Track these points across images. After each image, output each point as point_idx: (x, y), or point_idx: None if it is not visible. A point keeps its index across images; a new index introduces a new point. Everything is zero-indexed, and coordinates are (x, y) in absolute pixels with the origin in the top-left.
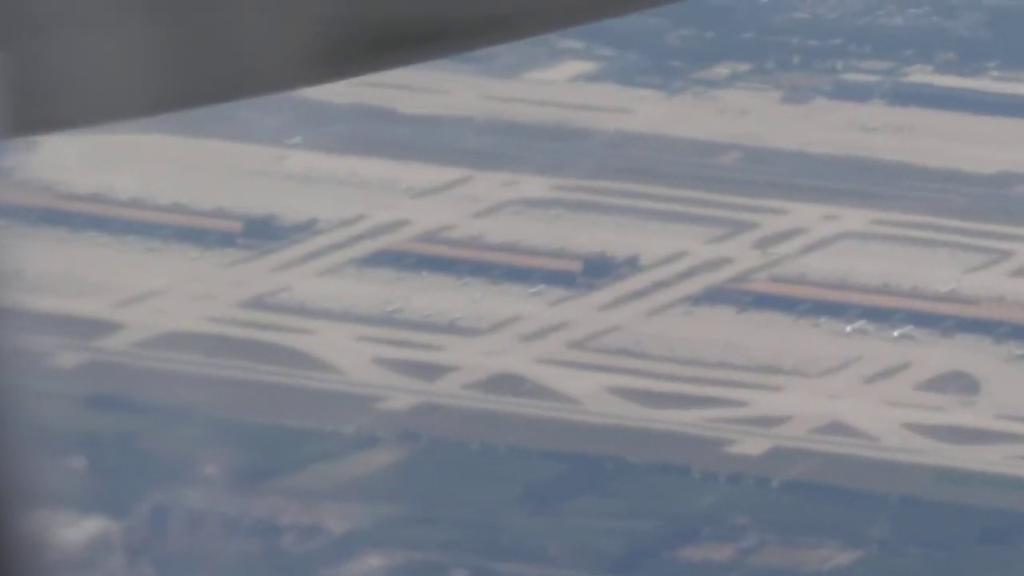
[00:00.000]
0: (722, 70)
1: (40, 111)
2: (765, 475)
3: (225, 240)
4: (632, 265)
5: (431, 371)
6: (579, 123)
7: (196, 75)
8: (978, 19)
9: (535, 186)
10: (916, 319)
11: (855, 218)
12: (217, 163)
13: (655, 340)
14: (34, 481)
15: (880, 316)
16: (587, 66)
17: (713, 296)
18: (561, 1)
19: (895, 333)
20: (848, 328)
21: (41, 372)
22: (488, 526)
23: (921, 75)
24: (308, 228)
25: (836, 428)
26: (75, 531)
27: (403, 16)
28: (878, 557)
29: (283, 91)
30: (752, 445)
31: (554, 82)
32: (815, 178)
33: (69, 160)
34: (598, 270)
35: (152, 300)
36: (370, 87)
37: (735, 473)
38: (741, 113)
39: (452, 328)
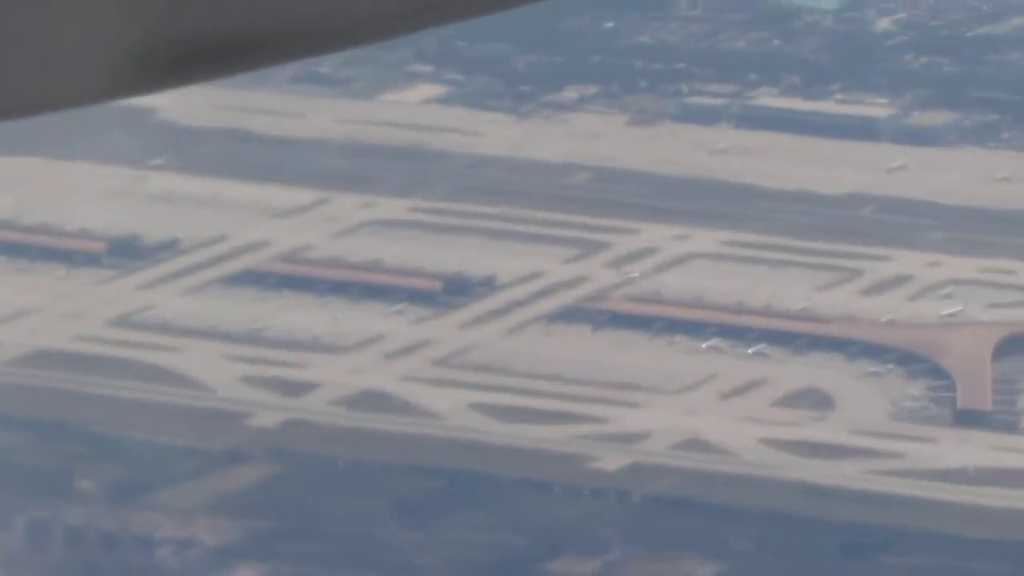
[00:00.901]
0: (570, 94)
1: None
2: (627, 489)
3: (90, 260)
4: (489, 285)
5: (297, 388)
6: (433, 145)
7: (6, 88)
8: (820, 43)
9: (392, 207)
10: (769, 337)
11: (706, 238)
12: (81, 184)
13: (515, 357)
14: None
15: (734, 334)
16: (438, 89)
17: (569, 315)
18: (356, 20)
19: (749, 351)
20: (703, 346)
21: None
22: (359, 539)
23: (767, 98)
24: (172, 248)
25: (695, 444)
26: None
27: (210, 31)
28: (739, 570)
29: (93, 103)
30: (612, 461)
31: (406, 104)
32: (665, 199)
33: None
34: (457, 289)
35: (21, 319)
36: (230, 111)
37: (597, 488)
38: (590, 136)
39: (316, 346)
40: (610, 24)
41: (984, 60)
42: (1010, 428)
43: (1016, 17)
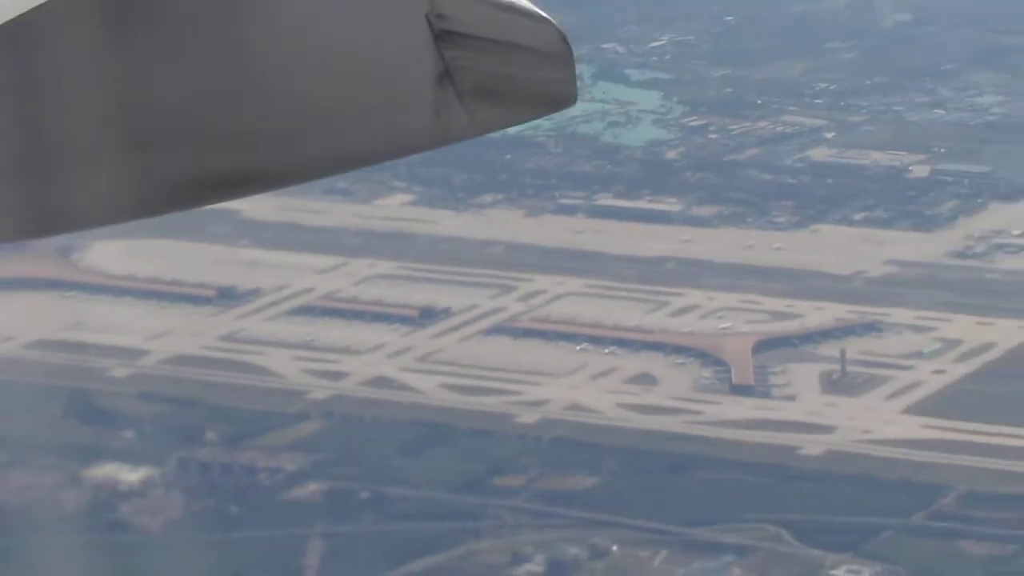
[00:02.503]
0: (487, 198)
1: None
2: (538, 435)
3: (206, 301)
4: (447, 312)
5: (336, 375)
6: (409, 230)
7: (70, 205)
8: (635, 166)
9: (386, 267)
10: (617, 342)
11: (575, 283)
12: (199, 255)
13: (465, 356)
14: None
15: (596, 341)
16: (409, 196)
17: (496, 330)
18: (292, 157)
19: (605, 351)
20: (577, 348)
21: None
22: (377, 465)
23: (605, 199)
24: (255, 294)
25: (576, 406)
26: None
27: (222, 166)
28: (610, 481)
29: (139, 219)
30: (529, 417)
31: (391, 206)
32: (548, 260)
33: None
34: (428, 315)
35: (164, 336)
36: (286, 210)
37: (520, 435)
38: (501, 223)
39: (346, 351)
40: (509, 156)
41: (734, 175)
42: (764, 396)
43: (753, 148)
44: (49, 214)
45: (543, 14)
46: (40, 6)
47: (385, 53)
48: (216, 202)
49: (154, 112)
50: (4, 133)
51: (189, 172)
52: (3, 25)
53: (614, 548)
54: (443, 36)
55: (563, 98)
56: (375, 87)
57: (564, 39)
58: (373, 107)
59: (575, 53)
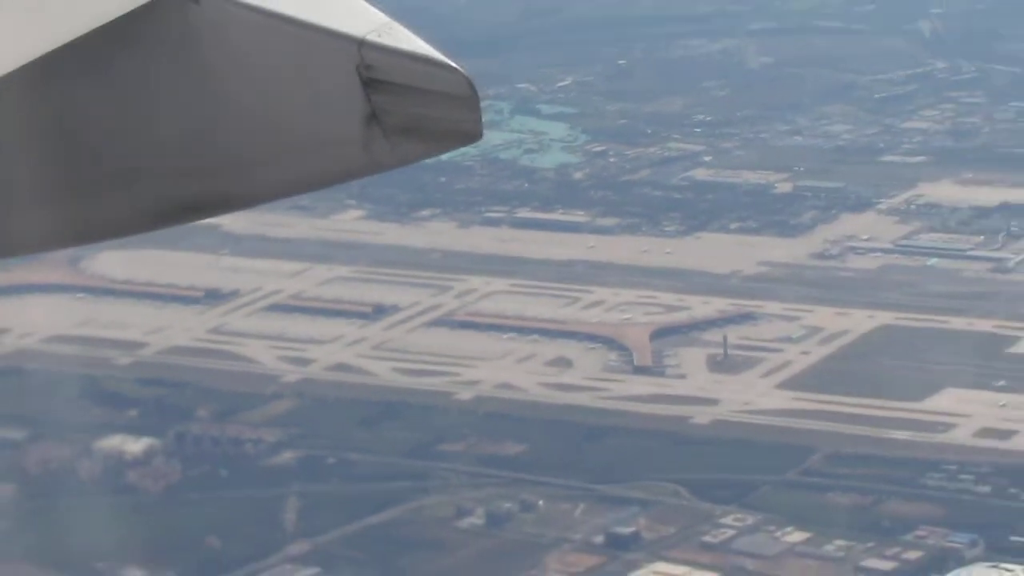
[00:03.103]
0: (426, 212)
1: None
2: (474, 409)
3: (195, 301)
4: (395, 309)
5: (304, 362)
6: (361, 240)
7: (76, 219)
8: (550, 184)
9: (343, 271)
10: (538, 332)
11: (501, 283)
12: (187, 262)
13: (412, 345)
14: None
15: (520, 331)
16: (361, 212)
17: (437, 323)
18: (250, 185)
19: (528, 339)
20: (504, 337)
21: None
22: (342, 436)
23: (524, 212)
24: (235, 295)
25: (505, 386)
26: None
27: (194, 193)
28: (534, 448)
29: (133, 234)
30: (466, 394)
31: (346, 220)
32: (478, 264)
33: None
34: (380, 312)
35: (160, 331)
36: (258, 224)
37: (459, 409)
38: (438, 234)
39: (311, 340)
40: (442, 177)
41: (630, 192)
42: (660, 375)
43: (645, 170)
44: (60, 232)
45: (454, 65)
46: (51, 56)
47: (323, 99)
48: (190, 222)
49: (142, 152)
50: (29, 167)
51: (166, 198)
52: (24, 70)
53: (540, 503)
54: (370, 84)
55: (471, 134)
56: (316, 127)
57: (471, 86)
58: (315, 143)
59: (481, 96)
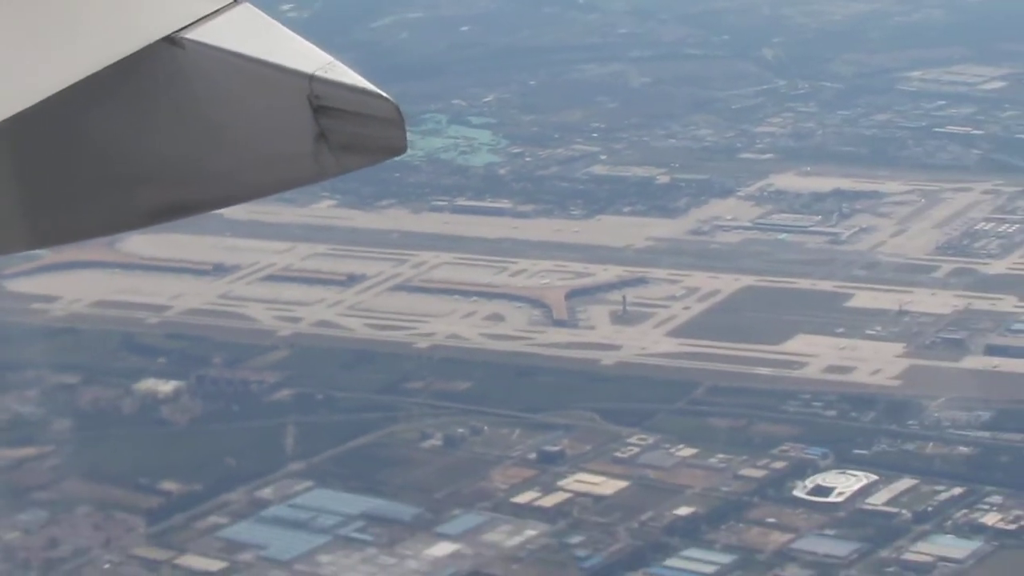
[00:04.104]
0: (385, 202)
1: None
2: (430, 355)
3: (205, 273)
4: (363, 278)
5: (294, 320)
6: (335, 224)
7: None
8: (479, 177)
9: (319, 248)
10: (477, 294)
11: (446, 257)
12: (193, 244)
13: (379, 305)
14: None
15: (463, 293)
16: (333, 201)
17: (398, 288)
18: (227, 190)
19: (470, 299)
20: (451, 298)
21: None
22: (325, 377)
23: (461, 201)
24: (237, 268)
25: (453, 336)
26: None
27: (187, 197)
28: (478, 384)
29: (116, 233)
30: (423, 344)
31: (322, 207)
32: (428, 242)
33: None
34: (351, 280)
35: (179, 297)
36: (251, 212)
37: (418, 355)
38: (397, 219)
39: (299, 303)
40: (397, 173)
41: (543, 184)
42: (574, 327)
43: (555, 167)
44: (69, 228)
45: (384, 95)
46: (68, 90)
47: (282, 122)
48: (178, 219)
49: (139, 167)
50: (34, 183)
51: (159, 202)
52: (36, 108)
53: (485, 428)
54: (319, 110)
55: (398, 148)
56: (276, 144)
57: (398, 110)
58: (275, 157)
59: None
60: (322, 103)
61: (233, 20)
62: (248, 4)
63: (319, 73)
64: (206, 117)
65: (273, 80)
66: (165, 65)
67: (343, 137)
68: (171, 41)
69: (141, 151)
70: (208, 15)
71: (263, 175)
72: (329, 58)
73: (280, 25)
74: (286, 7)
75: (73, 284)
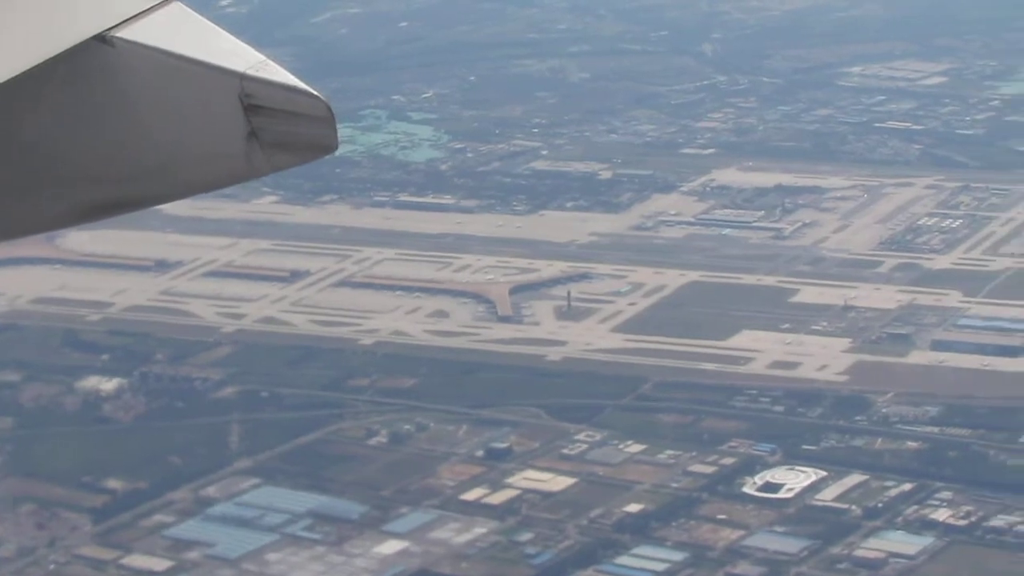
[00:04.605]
0: (326, 197)
1: None
2: (374, 351)
3: (148, 269)
4: (307, 274)
5: (238, 316)
6: (276, 220)
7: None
8: (420, 173)
9: (264, 244)
10: (421, 290)
11: (388, 252)
12: (146, 242)
13: (322, 301)
14: None
15: (406, 289)
16: (275, 197)
17: (340, 283)
18: (160, 187)
19: (413, 295)
20: (395, 294)
21: None
22: (267, 372)
23: (403, 197)
24: (180, 264)
25: (397, 332)
26: None
27: (120, 195)
28: (423, 380)
29: (52, 230)
30: (367, 340)
31: (265, 203)
32: (370, 237)
33: None
34: (295, 276)
35: (122, 293)
36: (201, 208)
37: (363, 351)
38: (337, 214)
39: (243, 299)
40: (338, 169)
41: (485, 179)
42: (519, 323)
43: (496, 162)
44: (4, 225)
45: (316, 93)
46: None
47: (213, 121)
48: (112, 216)
49: (72, 165)
50: None
51: (92, 200)
52: None
53: (431, 424)
54: (250, 109)
55: (329, 147)
56: (208, 143)
57: (329, 108)
58: (207, 155)
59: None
60: (253, 101)
61: (165, 19)
62: (180, 3)
63: (250, 72)
64: (138, 115)
65: (204, 78)
66: (96, 64)
67: (274, 135)
68: (102, 40)
69: (73, 149)
70: (139, 13)
71: (195, 173)
72: (261, 57)
73: (212, 24)
74: (225, 2)
75: (13, 281)
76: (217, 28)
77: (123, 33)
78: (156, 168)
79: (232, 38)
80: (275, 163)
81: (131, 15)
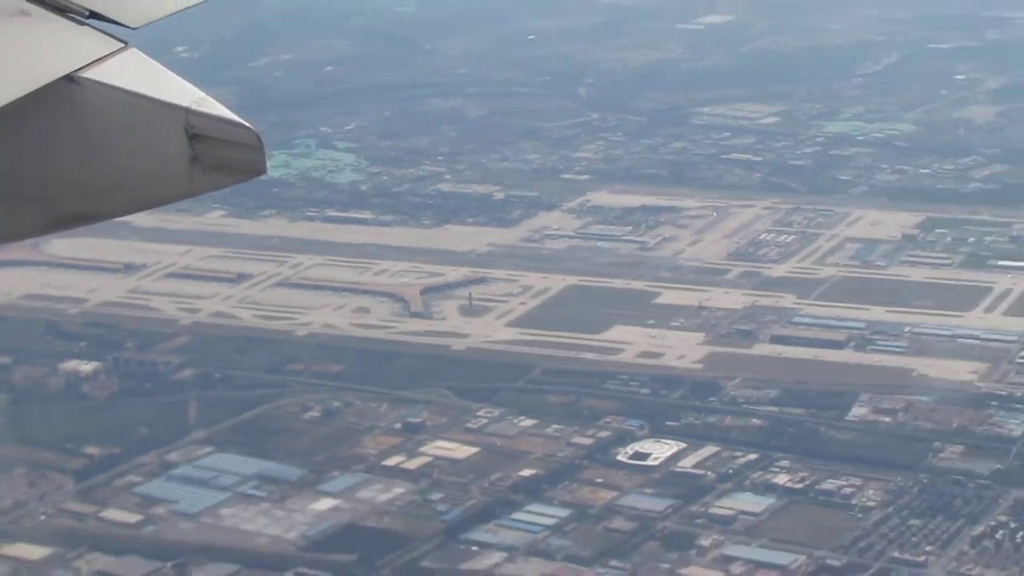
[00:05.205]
0: (267, 212)
1: None
2: (308, 341)
3: (117, 271)
4: (250, 276)
5: (194, 311)
6: (225, 232)
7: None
8: (345, 192)
9: (215, 252)
10: (346, 290)
11: (319, 259)
12: (109, 247)
13: (264, 300)
14: None
15: (335, 290)
16: (223, 211)
17: (280, 284)
18: (117, 203)
19: (341, 295)
20: (324, 293)
21: None
22: (221, 358)
23: (330, 212)
24: (146, 267)
25: (328, 325)
26: None
27: (81, 209)
28: (350, 365)
29: (27, 238)
30: (302, 331)
31: (216, 217)
32: (304, 246)
33: None
34: (240, 278)
35: (94, 292)
36: (156, 219)
37: (299, 342)
38: (275, 226)
39: (199, 296)
40: (275, 188)
41: (399, 199)
42: (429, 318)
43: (408, 184)
44: None
45: (248, 125)
46: None
47: (162, 147)
48: (75, 228)
49: (41, 184)
50: None
51: (59, 213)
52: None
53: (356, 402)
54: (193, 137)
55: (259, 170)
56: (158, 165)
57: (258, 138)
58: (156, 176)
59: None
60: (195, 131)
61: (123, 62)
62: (135, 49)
63: (193, 106)
64: (99, 142)
65: (155, 112)
66: (65, 98)
67: (213, 160)
68: (70, 79)
69: (46, 169)
70: (102, 58)
71: (147, 190)
72: (202, 94)
73: (162, 66)
74: (179, 48)
75: (3, 280)
76: (166, 70)
77: (88, 74)
78: (115, 186)
79: (178, 78)
80: (214, 183)
81: (95, 59)
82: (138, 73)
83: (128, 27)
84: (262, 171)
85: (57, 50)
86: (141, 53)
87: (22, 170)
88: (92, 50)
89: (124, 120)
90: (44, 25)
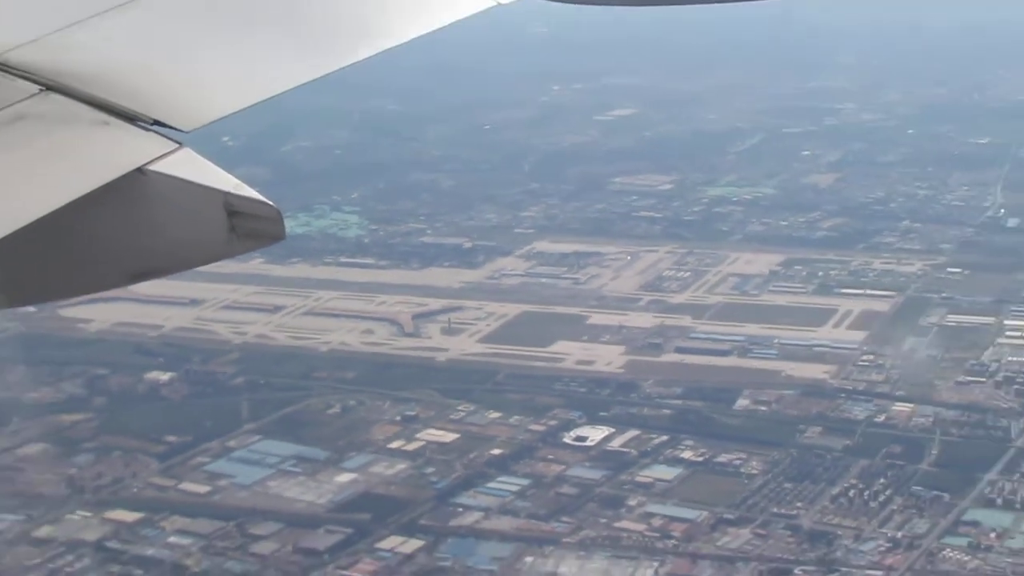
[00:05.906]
0: (295, 259)
1: None
2: (328, 354)
3: (185, 303)
4: (284, 307)
5: (244, 333)
6: (264, 273)
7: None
8: (352, 243)
9: (254, 290)
10: (356, 317)
11: (336, 294)
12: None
13: (295, 324)
14: None
15: (348, 317)
16: (262, 259)
17: (307, 313)
18: (177, 261)
19: (352, 321)
20: (339, 319)
21: None
22: (268, 370)
23: (344, 258)
24: (203, 301)
25: (343, 343)
26: None
27: (148, 266)
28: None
29: (113, 288)
30: (325, 348)
31: (256, 264)
32: (325, 286)
33: None
34: (277, 308)
35: (170, 320)
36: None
37: (325, 356)
38: (301, 270)
39: (247, 323)
40: (300, 242)
41: (394, 248)
42: (419, 337)
43: (399, 237)
44: (87, 283)
45: (270, 203)
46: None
47: (207, 221)
48: (143, 281)
49: (117, 247)
50: (49, 263)
51: (131, 269)
52: None
53: (367, 401)
54: (231, 213)
55: (279, 236)
56: (203, 234)
57: (279, 213)
58: (203, 242)
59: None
60: (233, 209)
61: (179, 158)
62: (188, 148)
63: (231, 190)
64: (161, 218)
65: (202, 195)
66: (137, 186)
67: (245, 230)
68: (140, 171)
69: (122, 239)
70: (162, 155)
71: (197, 252)
72: (237, 180)
73: (208, 161)
74: (225, 138)
75: (103, 313)
76: (211, 163)
77: (153, 167)
78: (174, 250)
79: (220, 169)
80: (246, 247)
81: (158, 155)
82: (190, 166)
83: (183, 131)
84: (281, 237)
85: (130, 149)
86: (192, 151)
87: (106, 239)
88: (155, 149)
89: (180, 201)
90: (120, 131)
